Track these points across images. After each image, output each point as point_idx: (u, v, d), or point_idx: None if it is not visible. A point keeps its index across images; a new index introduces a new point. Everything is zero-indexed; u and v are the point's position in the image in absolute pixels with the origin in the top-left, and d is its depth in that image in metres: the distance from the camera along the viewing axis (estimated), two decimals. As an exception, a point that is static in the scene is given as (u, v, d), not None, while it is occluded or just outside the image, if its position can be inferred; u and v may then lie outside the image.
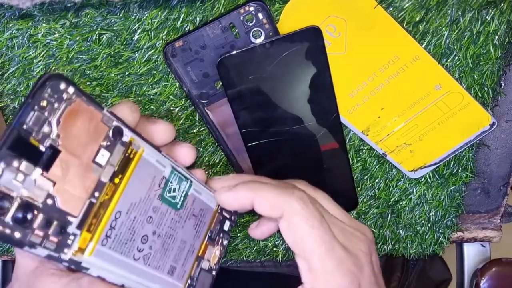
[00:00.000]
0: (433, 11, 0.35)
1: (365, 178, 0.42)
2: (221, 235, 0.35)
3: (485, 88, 0.39)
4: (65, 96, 0.24)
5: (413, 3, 0.35)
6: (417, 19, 0.35)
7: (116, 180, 0.27)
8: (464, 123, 0.39)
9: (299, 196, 0.30)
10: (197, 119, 0.39)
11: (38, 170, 0.23)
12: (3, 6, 0.32)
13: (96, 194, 0.26)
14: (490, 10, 0.35)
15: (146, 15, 0.34)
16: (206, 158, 0.40)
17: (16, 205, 0.22)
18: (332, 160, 0.39)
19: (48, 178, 0.23)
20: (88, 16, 0.34)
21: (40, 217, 0.23)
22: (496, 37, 0.36)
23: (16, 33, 0.34)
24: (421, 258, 0.60)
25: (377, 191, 0.43)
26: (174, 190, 0.31)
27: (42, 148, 0.23)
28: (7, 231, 0.22)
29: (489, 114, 0.39)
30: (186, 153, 0.33)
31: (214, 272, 0.34)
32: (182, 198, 0.32)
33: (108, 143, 0.26)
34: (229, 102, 0.35)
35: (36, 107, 0.23)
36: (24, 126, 0.22)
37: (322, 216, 0.31)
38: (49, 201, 0.23)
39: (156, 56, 0.35)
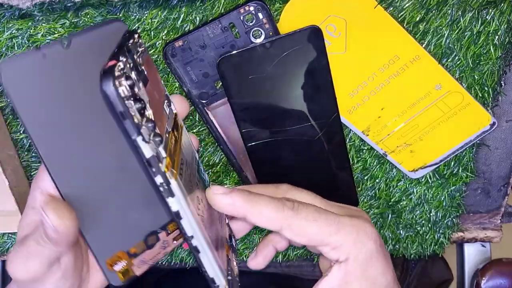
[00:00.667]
0: (433, 11, 0.35)
1: (365, 178, 0.42)
2: (232, 250, 0.34)
3: (485, 88, 0.38)
4: (142, 47, 0.27)
5: (413, 3, 0.35)
6: (417, 19, 0.35)
7: (175, 134, 0.28)
8: (464, 123, 0.39)
9: (290, 207, 0.31)
10: (197, 119, 0.39)
11: (141, 82, 0.24)
12: (3, 6, 0.32)
13: (167, 135, 0.26)
14: (490, 10, 0.35)
15: (146, 15, 0.34)
16: (206, 158, 0.40)
17: (134, 93, 0.23)
18: (332, 160, 0.39)
19: (146, 93, 0.24)
20: (88, 16, 0.34)
21: (145, 118, 0.23)
22: (496, 37, 0.36)
23: (16, 33, 0.34)
24: (422, 258, 0.60)
25: (377, 191, 0.43)
26: (203, 174, 0.32)
27: (140, 68, 0.25)
28: (132, 111, 0.22)
29: (489, 114, 0.39)
30: (179, 102, 0.33)
31: (238, 284, 0.33)
32: (208, 185, 0.32)
33: (167, 102, 0.29)
34: (229, 102, 0.35)
35: (131, 40, 0.26)
36: (130, 45, 0.25)
37: (316, 206, 0.32)
38: (147, 112, 0.24)
39: (156, 56, 0.35)
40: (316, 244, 0.32)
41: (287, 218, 0.31)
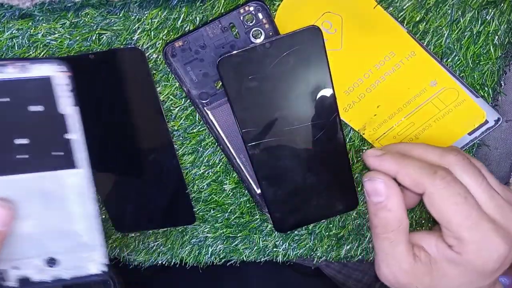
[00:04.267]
0: (433, 11, 0.35)
1: (365, 178, 0.42)
2: None
3: (485, 88, 0.38)
4: None
5: (413, 3, 0.35)
6: (417, 19, 0.35)
7: None
8: (460, 120, 0.39)
9: (441, 176, 0.31)
10: (197, 119, 0.39)
11: None
12: (3, 6, 0.32)
13: None
14: (490, 10, 0.35)
15: (146, 15, 0.34)
16: (206, 158, 0.40)
17: None
18: (332, 159, 0.39)
19: None
20: (88, 16, 0.34)
21: None
22: (496, 37, 0.36)
23: (16, 33, 0.34)
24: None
25: (377, 191, 0.43)
26: None
27: None
28: None
29: (486, 111, 0.39)
30: None
31: None
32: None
33: None
34: (229, 102, 0.35)
35: None
36: None
37: (468, 192, 0.31)
38: None
39: (156, 56, 0.36)
40: (445, 224, 0.31)
41: (433, 186, 0.31)
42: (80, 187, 0.27)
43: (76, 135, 0.25)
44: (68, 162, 0.26)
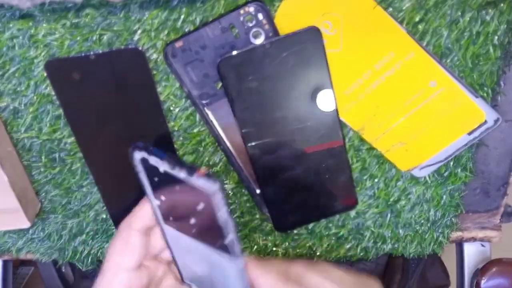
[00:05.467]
0: (433, 12, 0.35)
1: (364, 178, 0.43)
2: None
3: (485, 88, 0.39)
4: None
5: (412, 4, 0.35)
6: (417, 19, 0.36)
7: None
8: (458, 121, 0.39)
9: None
10: (197, 119, 0.39)
11: None
12: (3, 6, 0.32)
13: None
14: (489, 10, 0.35)
15: (147, 15, 0.34)
16: (206, 158, 0.41)
17: None
18: (332, 159, 0.39)
19: None
20: (89, 17, 0.34)
21: None
22: (496, 37, 0.36)
23: (17, 33, 0.34)
24: (422, 261, 0.60)
25: (376, 190, 0.43)
26: None
27: None
28: None
29: (485, 111, 0.39)
30: None
31: None
32: None
33: None
34: (229, 102, 0.35)
35: None
36: None
37: None
38: None
39: (157, 56, 0.36)
40: None
41: None
42: (235, 273, 0.30)
43: (231, 235, 0.28)
44: (227, 252, 0.29)
